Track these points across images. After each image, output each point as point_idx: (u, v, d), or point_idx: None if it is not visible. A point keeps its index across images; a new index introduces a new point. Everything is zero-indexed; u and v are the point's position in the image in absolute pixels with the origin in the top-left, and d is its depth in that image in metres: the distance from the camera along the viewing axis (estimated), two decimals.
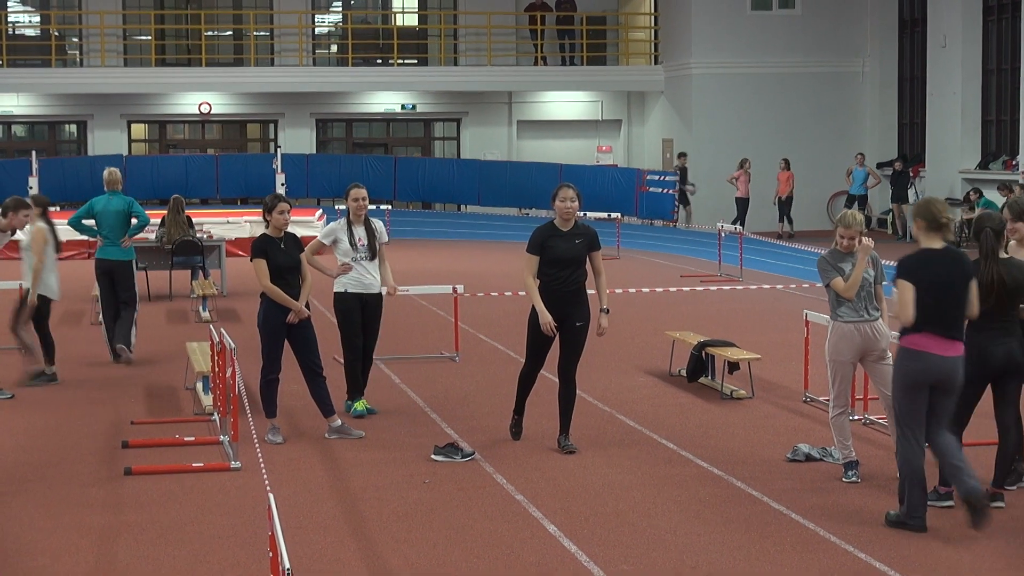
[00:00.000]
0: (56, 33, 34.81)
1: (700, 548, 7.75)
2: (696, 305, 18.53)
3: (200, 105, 34.93)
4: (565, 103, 36.52)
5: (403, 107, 36.12)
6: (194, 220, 20.35)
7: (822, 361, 9.46)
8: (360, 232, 11.22)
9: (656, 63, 34.97)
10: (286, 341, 10.40)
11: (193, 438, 10.43)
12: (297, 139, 35.35)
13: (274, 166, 28.34)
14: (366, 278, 11.21)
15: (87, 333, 16.10)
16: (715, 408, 11.74)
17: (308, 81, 34.34)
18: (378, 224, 11.40)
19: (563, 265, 9.87)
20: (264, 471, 8.11)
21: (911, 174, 30.31)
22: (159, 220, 19.23)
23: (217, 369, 10.35)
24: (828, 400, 9.47)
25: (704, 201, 31.75)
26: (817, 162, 32.26)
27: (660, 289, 19.78)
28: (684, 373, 12.84)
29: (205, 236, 20.30)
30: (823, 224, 31.11)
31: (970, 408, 8.52)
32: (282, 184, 27.14)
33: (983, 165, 28.63)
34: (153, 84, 34.22)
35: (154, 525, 8.23)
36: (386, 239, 11.42)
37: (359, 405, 11.28)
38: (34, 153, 27.18)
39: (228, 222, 25.35)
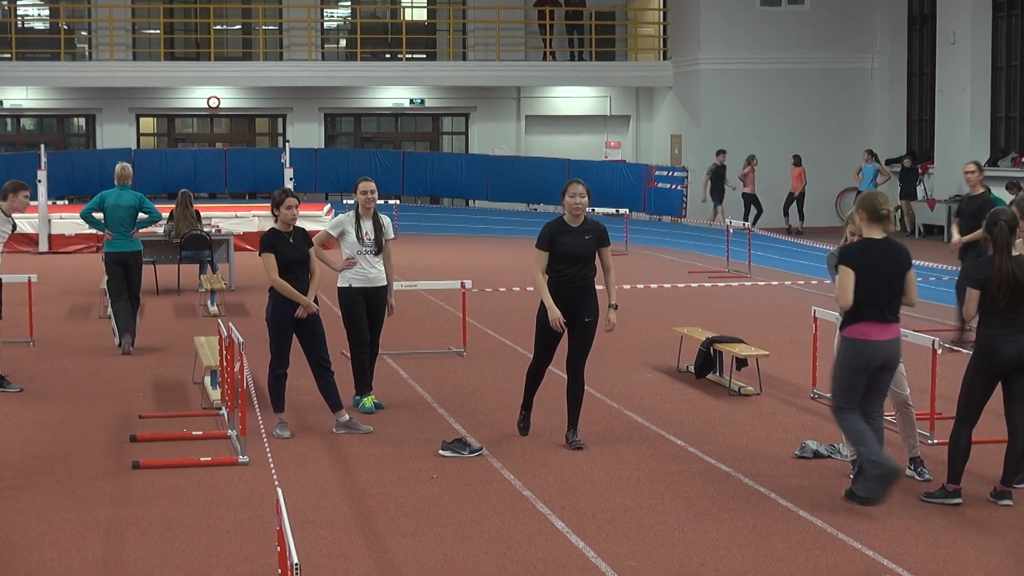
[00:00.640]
0: (65, 27, 34.83)
1: (707, 544, 7.74)
2: (704, 301, 18.51)
3: (209, 99, 34.94)
4: (574, 98, 36.48)
5: (411, 102, 36.10)
6: (202, 214, 20.38)
7: (830, 358, 9.44)
8: (368, 226, 11.23)
9: (665, 59, 34.92)
10: (294, 336, 10.41)
11: (201, 432, 10.44)
12: (305, 134, 35.31)
13: (282, 161, 28.35)
14: (371, 272, 11.23)
15: (95, 327, 16.12)
16: (723, 404, 11.73)
17: (317, 76, 34.30)
18: (386, 220, 11.41)
19: (572, 261, 9.86)
20: (272, 466, 8.11)
21: (920, 171, 30.26)
22: (167, 214, 19.25)
23: (225, 363, 10.36)
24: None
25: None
26: (826, 158, 32.19)
27: (668, 285, 19.75)
28: (692, 369, 12.84)
29: (213, 230, 20.35)
30: (832, 220, 31.05)
31: (980, 406, 8.50)
32: (290, 179, 27.13)
33: (992, 162, 28.55)
34: (162, 78, 34.24)
35: (162, 519, 8.23)
36: (392, 235, 11.44)
37: (368, 401, 11.27)
38: (43, 146, 27.15)
39: (236, 216, 25.39)
